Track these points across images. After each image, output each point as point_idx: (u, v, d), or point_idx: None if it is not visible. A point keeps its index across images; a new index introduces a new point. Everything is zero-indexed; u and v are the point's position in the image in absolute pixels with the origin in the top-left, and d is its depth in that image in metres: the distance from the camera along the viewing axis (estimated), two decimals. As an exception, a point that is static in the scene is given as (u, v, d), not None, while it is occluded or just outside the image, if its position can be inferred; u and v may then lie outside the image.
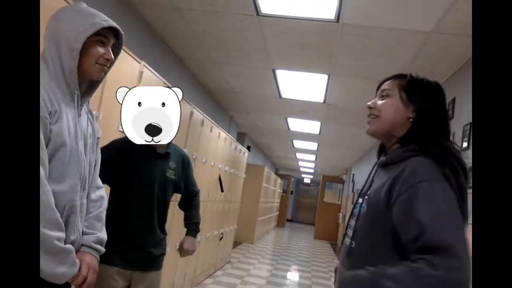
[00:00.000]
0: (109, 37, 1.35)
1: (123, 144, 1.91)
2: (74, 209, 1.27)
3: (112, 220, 1.77)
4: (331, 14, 3.00)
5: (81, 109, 1.35)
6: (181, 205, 2.31)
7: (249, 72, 4.75)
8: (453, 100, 3.58)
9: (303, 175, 20.51)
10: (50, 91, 1.21)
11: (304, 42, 3.58)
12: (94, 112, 2.13)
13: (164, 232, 2.09)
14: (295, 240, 12.42)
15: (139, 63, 2.61)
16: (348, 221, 1.26)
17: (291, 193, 19.45)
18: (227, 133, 5.50)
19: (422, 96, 1.19)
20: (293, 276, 6.70)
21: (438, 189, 1.02)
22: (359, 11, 2.90)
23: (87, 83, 1.38)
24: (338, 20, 3.06)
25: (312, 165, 14.80)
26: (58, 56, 1.25)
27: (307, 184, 21.85)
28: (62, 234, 1.18)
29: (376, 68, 3.92)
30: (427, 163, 1.07)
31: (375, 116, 1.24)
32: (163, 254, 2.08)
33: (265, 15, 3.18)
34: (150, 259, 1.98)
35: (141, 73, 2.62)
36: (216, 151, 4.85)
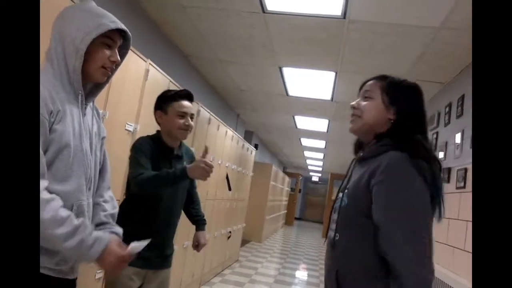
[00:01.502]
0: (116, 39, 1.32)
1: (148, 148, 1.94)
2: (81, 208, 1.26)
3: (132, 221, 1.80)
4: (337, 11, 2.97)
5: (85, 108, 1.33)
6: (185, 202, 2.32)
7: (255, 70, 4.73)
8: (462, 97, 3.53)
9: (311, 173, 20.45)
10: (53, 90, 1.19)
11: (310, 39, 3.56)
12: (100, 111, 2.14)
13: (175, 231, 2.12)
14: (304, 239, 12.39)
15: (145, 61, 2.60)
16: (330, 215, 1.35)
17: (299, 191, 19.43)
18: (234, 132, 5.49)
19: (403, 99, 1.28)
20: (301, 274, 6.68)
21: (407, 184, 1.13)
22: (366, 7, 2.87)
23: (92, 84, 1.37)
24: (345, 16, 3.02)
25: (320, 163, 14.75)
26: (63, 55, 1.23)
27: (315, 182, 21.80)
28: (66, 229, 1.13)
29: (383, 65, 3.88)
30: (402, 157, 1.16)
31: (357, 116, 1.32)
32: (173, 252, 2.12)
33: (271, 12, 3.16)
34: (163, 258, 2.02)
35: (147, 71, 2.62)
36: (223, 150, 4.84)
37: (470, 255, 2.91)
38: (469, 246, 2.98)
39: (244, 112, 7.35)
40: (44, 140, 1.14)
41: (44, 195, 1.10)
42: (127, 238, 1.79)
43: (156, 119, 2.04)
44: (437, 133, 4.16)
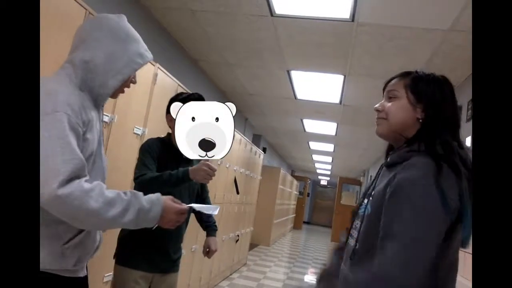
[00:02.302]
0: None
1: (155, 149, 1.93)
2: None
3: None
4: (346, 14, 2.96)
5: (100, 113, 1.37)
6: None
7: (263, 73, 4.73)
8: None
9: (319, 177, 20.38)
10: (82, 98, 1.22)
11: (319, 42, 3.55)
12: (109, 115, 2.15)
13: (183, 234, 2.10)
14: (312, 243, 12.34)
15: (153, 65, 2.61)
16: (353, 221, 1.25)
17: (308, 195, 19.36)
18: (243, 135, 5.49)
19: (430, 95, 1.16)
20: (310, 279, 6.64)
21: (419, 193, 1.00)
22: (375, 10, 2.86)
23: None
24: (353, 19, 3.02)
25: (329, 166, 14.70)
26: (92, 67, 1.25)
27: (323, 186, 21.70)
28: (119, 207, 1.17)
29: (393, 68, 3.86)
30: (424, 162, 1.04)
31: (383, 118, 1.22)
32: (181, 256, 2.10)
33: (279, 16, 3.16)
34: (170, 262, 2.00)
35: (156, 75, 2.63)
36: (231, 153, 4.82)
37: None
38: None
39: (252, 115, 7.35)
40: (79, 148, 1.17)
41: (86, 185, 1.12)
42: (133, 242, 1.78)
43: (167, 122, 2.03)
44: (447, 136, 4.12)
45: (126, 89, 1.40)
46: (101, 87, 1.27)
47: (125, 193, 1.21)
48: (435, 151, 1.06)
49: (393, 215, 1.02)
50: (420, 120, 1.15)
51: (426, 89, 1.17)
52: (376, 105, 1.24)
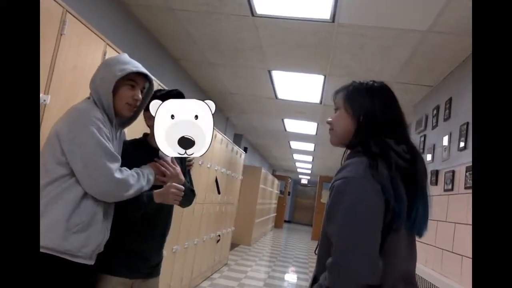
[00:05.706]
0: (138, 81, 1.68)
1: (124, 148, 1.84)
2: (100, 210, 1.58)
3: (115, 230, 1.72)
4: (326, 14, 2.98)
5: (116, 133, 1.70)
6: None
7: (245, 73, 4.73)
8: (450, 100, 3.57)
9: (300, 176, 20.50)
10: (104, 119, 1.57)
11: (299, 42, 3.57)
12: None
13: (165, 239, 2.03)
14: (293, 241, 12.40)
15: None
16: None
17: (289, 194, 19.46)
18: (224, 135, 5.48)
19: (361, 102, 1.27)
20: (291, 277, 6.67)
21: (351, 190, 1.13)
22: (355, 11, 2.89)
23: (125, 117, 1.75)
24: (334, 20, 3.04)
25: (309, 166, 14.80)
26: (99, 95, 1.60)
27: (304, 185, 21.84)
28: (139, 182, 1.65)
29: (372, 68, 3.91)
30: (356, 162, 1.17)
31: (331, 129, 1.36)
32: (161, 260, 2.03)
33: (260, 16, 3.16)
34: (150, 267, 1.93)
35: (135, 74, 2.59)
36: (212, 153, 4.82)
37: (459, 257, 2.93)
38: (457, 248, 3.00)
39: (234, 115, 7.34)
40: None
41: (125, 171, 1.61)
42: (112, 248, 1.73)
43: (145, 120, 1.93)
44: (425, 135, 4.20)
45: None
46: (107, 108, 1.61)
47: (137, 172, 1.66)
48: (369, 149, 1.18)
49: (331, 211, 1.17)
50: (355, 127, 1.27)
51: (357, 97, 1.29)
52: (328, 118, 1.38)
